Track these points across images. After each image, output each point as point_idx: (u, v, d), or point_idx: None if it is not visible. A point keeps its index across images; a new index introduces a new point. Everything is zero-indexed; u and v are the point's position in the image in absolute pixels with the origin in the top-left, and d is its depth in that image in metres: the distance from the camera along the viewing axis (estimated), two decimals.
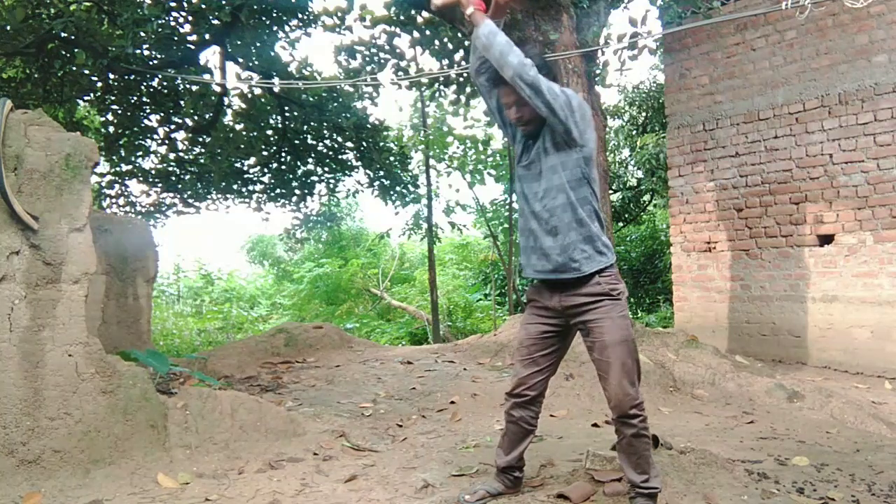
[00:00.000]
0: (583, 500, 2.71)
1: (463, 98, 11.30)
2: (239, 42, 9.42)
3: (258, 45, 9.61)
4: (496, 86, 2.66)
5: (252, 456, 3.32)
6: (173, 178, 10.82)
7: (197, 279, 18.87)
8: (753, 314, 7.28)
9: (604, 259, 2.59)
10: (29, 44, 7.59)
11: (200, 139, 10.58)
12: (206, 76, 9.54)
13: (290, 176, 11.34)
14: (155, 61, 8.98)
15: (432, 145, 12.60)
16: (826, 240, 6.77)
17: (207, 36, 9.10)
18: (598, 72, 8.09)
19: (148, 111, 10.07)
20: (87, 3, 8.54)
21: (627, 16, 23.55)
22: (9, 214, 2.94)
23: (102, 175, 10.61)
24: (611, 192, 11.11)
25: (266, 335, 6.48)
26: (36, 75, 8.52)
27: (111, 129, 10.08)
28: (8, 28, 7.53)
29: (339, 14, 10.09)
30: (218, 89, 9.98)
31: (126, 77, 8.96)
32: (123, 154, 10.33)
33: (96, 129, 10.30)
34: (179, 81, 9.52)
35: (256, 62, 9.79)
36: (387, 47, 10.20)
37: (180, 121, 10.44)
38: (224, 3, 8.28)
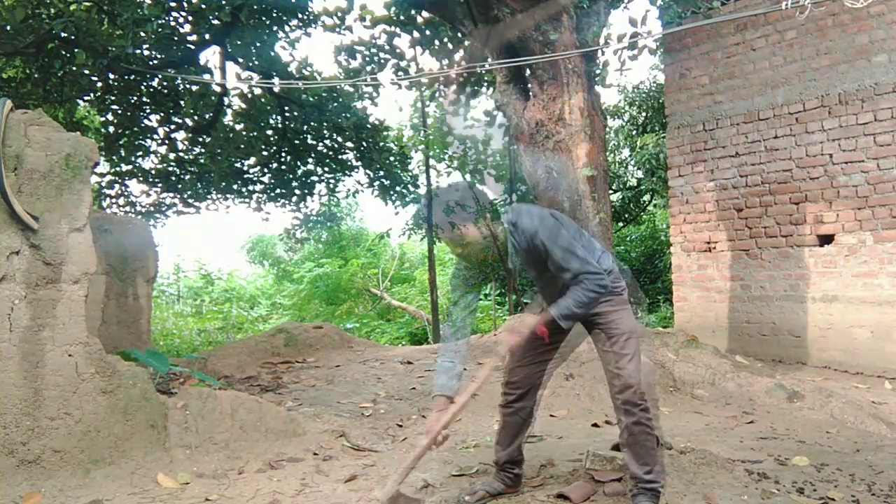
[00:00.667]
0: (583, 500, 2.71)
1: (463, 98, 11.31)
2: (239, 42, 9.42)
3: (258, 45, 9.61)
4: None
5: (252, 456, 3.32)
6: (173, 178, 10.82)
7: (197, 279, 18.85)
8: (753, 314, 7.28)
9: (603, 266, 2.66)
10: (29, 44, 7.59)
11: (200, 139, 10.58)
12: (206, 76, 9.54)
13: (290, 176, 11.34)
14: (155, 61, 8.97)
15: (432, 145, 12.60)
16: (826, 240, 6.77)
17: (207, 36, 9.10)
18: (598, 72, 8.09)
19: (148, 111, 10.07)
20: (87, 3, 8.53)
21: (627, 16, 23.56)
22: (9, 214, 2.94)
23: (102, 175, 10.61)
24: (611, 192, 11.10)
25: (266, 335, 6.48)
26: (36, 75, 8.52)
27: (111, 129, 10.07)
28: (8, 28, 7.53)
29: (339, 14, 10.09)
30: (218, 89, 9.98)
31: (126, 77, 8.95)
32: (123, 154, 10.33)
33: (96, 129, 10.29)
34: (179, 81, 9.52)
35: (256, 62, 9.78)
36: (387, 47, 10.20)
37: (180, 121, 10.43)
38: (224, 3, 8.28)
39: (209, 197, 11.32)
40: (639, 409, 2.56)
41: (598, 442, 3.49)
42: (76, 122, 9.63)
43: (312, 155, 11.41)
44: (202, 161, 10.72)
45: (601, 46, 7.60)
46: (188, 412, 3.34)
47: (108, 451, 3.08)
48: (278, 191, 11.52)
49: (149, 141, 10.54)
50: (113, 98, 9.61)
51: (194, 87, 9.67)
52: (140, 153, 10.50)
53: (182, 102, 10.00)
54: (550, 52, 6.49)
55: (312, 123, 10.76)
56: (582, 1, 6.78)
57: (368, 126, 10.90)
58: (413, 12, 9.61)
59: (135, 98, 9.75)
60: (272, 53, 9.84)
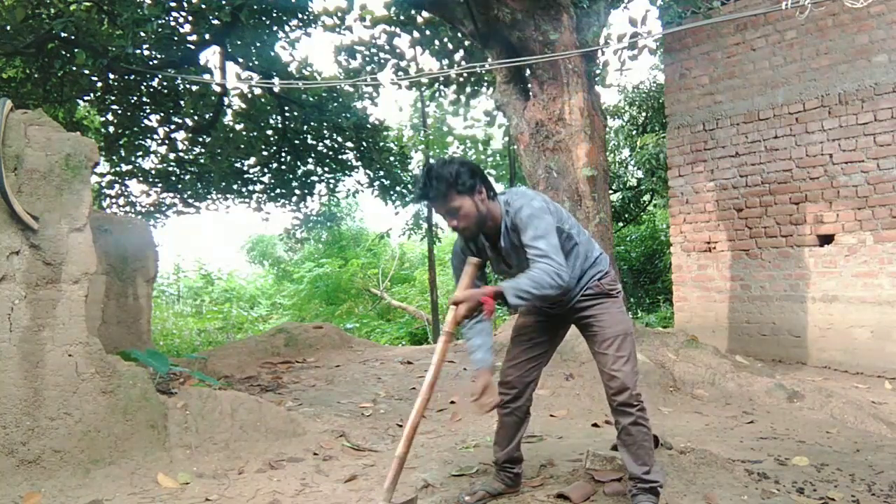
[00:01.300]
0: (583, 500, 2.71)
1: (463, 98, 11.32)
2: (239, 42, 9.42)
3: (258, 45, 9.61)
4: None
5: (252, 456, 3.32)
6: (173, 178, 10.82)
7: (197, 279, 18.86)
8: (753, 314, 7.28)
9: (599, 269, 2.66)
10: (29, 44, 7.59)
11: (200, 139, 10.58)
12: (206, 76, 9.54)
13: (290, 176, 11.34)
14: (155, 61, 8.97)
15: (432, 145, 12.61)
16: (826, 240, 6.77)
17: (207, 36, 9.10)
18: (598, 72, 8.09)
19: (148, 111, 10.07)
20: (87, 3, 8.54)
21: (627, 16, 23.59)
22: (9, 214, 2.94)
23: (102, 175, 10.61)
24: (611, 192, 11.10)
25: (266, 335, 6.49)
26: (36, 75, 8.52)
27: (111, 129, 10.07)
28: (8, 28, 7.53)
29: (339, 14, 10.09)
30: (218, 89, 9.98)
31: (126, 77, 8.95)
32: (123, 154, 10.33)
33: (96, 129, 10.29)
34: (179, 81, 9.52)
35: (256, 62, 9.79)
36: (387, 47, 10.20)
37: (180, 121, 10.43)
38: (224, 3, 8.28)
39: (209, 197, 11.32)
40: (636, 410, 2.56)
41: (598, 442, 3.49)
42: (76, 122, 9.63)
43: (312, 155, 11.41)
44: (202, 161, 10.72)
45: (601, 46, 7.60)
46: (188, 412, 3.34)
47: (108, 451, 3.08)
48: (278, 191, 11.52)
49: (149, 141, 10.54)
50: (113, 98, 9.61)
51: (194, 87, 9.68)
52: (140, 153, 10.50)
53: (182, 102, 10.00)
54: (550, 52, 6.49)
55: (312, 123, 10.76)
56: (582, 1, 6.78)
57: (368, 126, 10.90)
58: (413, 12, 9.61)
59: (135, 98, 9.75)
60: (272, 53, 9.84)
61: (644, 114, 13.70)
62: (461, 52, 10.06)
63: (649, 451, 2.60)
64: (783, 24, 6.96)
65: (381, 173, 11.64)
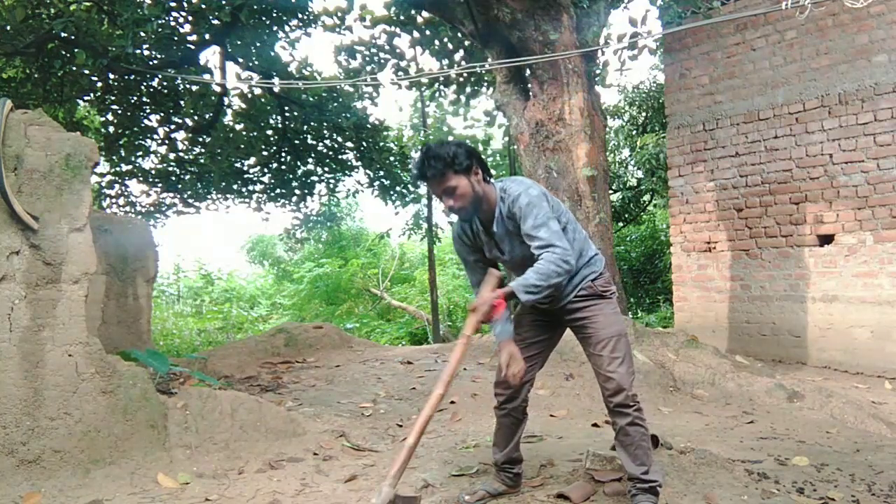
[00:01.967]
0: (583, 500, 2.71)
1: (463, 98, 11.32)
2: (239, 42, 9.43)
3: (258, 45, 9.62)
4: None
5: (252, 456, 3.32)
6: (173, 178, 10.82)
7: (197, 279, 18.86)
8: (753, 314, 7.28)
9: (593, 270, 2.67)
10: (29, 44, 7.59)
11: (200, 139, 10.58)
12: (206, 76, 9.55)
13: (290, 176, 11.35)
14: (155, 61, 8.98)
15: None
16: (826, 240, 6.77)
17: (207, 36, 9.11)
18: (598, 72, 8.09)
19: (148, 111, 10.07)
20: (87, 3, 8.54)
21: (627, 16, 23.59)
22: (9, 214, 2.94)
23: (102, 175, 10.61)
24: (611, 192, 11.11)
25: (266, 335, 6.48)
26: (36, 75, 8.52)
27: (111, 129, 10.08)
28: (8, 28, 7.53)
29: (339, 14, 10.10)
30: (218, 89, 9.99)
31: (126, 77, 8.96)
32: (123, 154, 10.33)
33: (96, 129, 10.30)
34: (179, 81, 9.52)
35: (256, 62, 9.79)
36: (387, 47, 10.21)
37: (180, 121, 10.44)
38: (224, 3, 8.28)
39: (209, 197, 11.33)
40: (632, 410, 2.57)
41: (598, 442, 3.49)
42: (76, 122, 9.63)
43: (312, 155, 11.42)
44: (202, 161, 10.72)
45: (601, 46, 7.61)
46: (188, 412, 3.34)
47: (108, 451, 3.08)
48: (278, 191, 11.53)
49: (149, 141, 10.55)
50: (113, 98, 9.62)
51: (194, 87, 9.68)
52: (140, 153, 10.51)
53: (182, 102, 10.00)
54: (550, 52, 6.49)
55: (312, 123, 10.77)
56: (582, 1, 6.78)
57: (368, 126, 10.90)
58: (413, 12, 9.62)
59: (135, 98, 9.76)
60: (272, 53, 9.84)
61: (644, 114, 13.71)
62: (461, 52, 10.07)
63: (647, 450, 2.60)
64: (783, 24, 6.96)
65: (381, 173, 11.64)
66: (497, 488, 2.82)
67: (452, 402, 4.58)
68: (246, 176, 11.28)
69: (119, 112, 9.86)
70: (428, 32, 9.93)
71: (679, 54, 7.94)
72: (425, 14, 9.49)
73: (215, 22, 8.80)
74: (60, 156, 3.10)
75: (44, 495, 2.80)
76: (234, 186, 11.17)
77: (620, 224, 14.32)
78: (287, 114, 10.61)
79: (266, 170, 11.26)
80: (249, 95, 10.53)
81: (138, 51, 8.21)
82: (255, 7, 8.93)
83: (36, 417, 2.96)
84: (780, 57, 7.05)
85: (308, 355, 6.04)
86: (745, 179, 7.34)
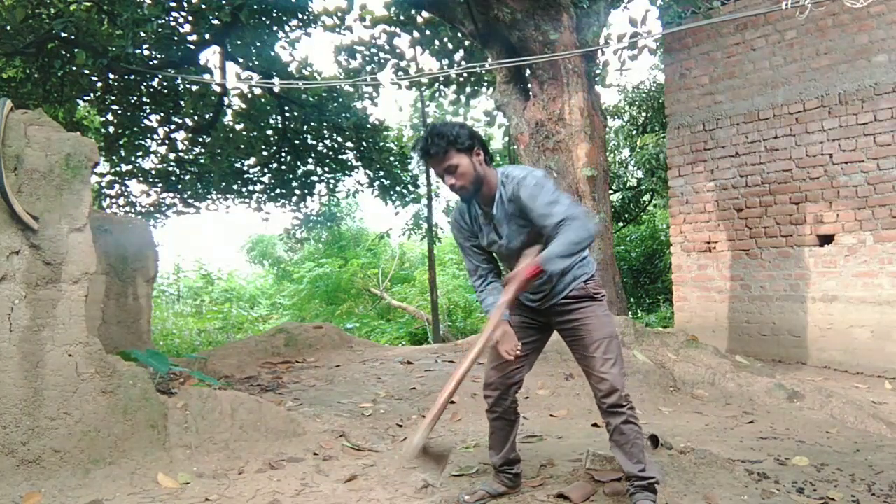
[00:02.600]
0: (583, 500, 2.71)
1: (463, 98, 11.32)
2: (239, 42, 9.43)
3: (258, 45, 9.62)
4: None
5: (252, 456, 3.32)
6: (173, 178, 10.82)
7: (197, 279, 18.86)
8: (753, 314, 7.28)
9: (586, 272, 2.68)
10: (29, 44, 7.59)
11: (200, 139, 10.59)
12: (206, 76, 9.55)
13: (290, 176, 11.35)
14: (155, 61, 8.98)
15: None
16: (826, 240, 6.77)
17: (207, 36, 9.11)
18: (598, 72, 8.10)
19: (148, 111, 10.07)
20: (87, 3, 8.54)
21: (627, 16, 23.59)
22: (9, 214, 2.94)
23: (102, 175, 10.61)
24: (611, 192, 11.11)
25: (266, 335, 6.48)
26: (36, 75, 8.52)
27: (111, 129, 10.08)
28: (8, 28, 7.53)
29: (339, 14, 10.10)
30: (218, 89, 9.99)
31: (126, 77, 8.96)
32: (123, 154, 10.33)
33: (96, 129, 10.30)
34: (179, 81, 9.52)
35: (256, 62, 9.79)
36: (387, 47, 10.21)
37: (180, 121, 10.44)
38: (224, 3, 8.28)
39: (209, 197, 11.33)
40: (626, 409, 2.57)
41: (598, 442, 3.48)
42: (76, 122, 9.64)
43: (312, 155, 11.42)
44: (202, 161, 10.72)
45: (601, 46, 7.61)
46: (188, 412, 3.34)
47: (108, 451, 3.08)
48: (278, 191, 11.53)
49: (149, 141, 10.55)
50: (113, 98, 9.62)
51: (194, 87, 9.68)
52: (140, 153, 10.51)
53: (182, 102, 10.01)
54: (550, 52, 6.49)
55: (312, 123, 10.77)
56: (582, 1, 6.78)
57: (368, 126, 10.91)
58: (413, 12, 9.62)
59: (135, 98, 9.76)
60: (272, 53, 9.85)
61: (644, 114, 13.71)
62: (461, 52, 10.07)
63: (642, 448, 2.61)
64: (783, 24, 6.96)
65: (381, 173, 11.65)
66: (497, 489, 2.82)
67: (452, 402, 4.58)
68: (246, 176, 11.28)
69: (119, 112, 9.86)
70: (428, 32, 9.94)
71: (679, 54, 7.94)
72: (425, 14, 9.49)
73: (215, 22, 8.80)
74: (60, 156, 3.10)
75: (44, 495, 2.80)
76: (234, 186, 11.17)
77: (620, 224, 14.33)
78: (287, 114, 10.61)
79: (266, 170, 11.26)
80: (249, 95, 10.54)
81: (138, 51, 8.21)
82: (255, 7, 8.93)
83: (36, 417, 2.96)
84: (780, 57, 7.05)
85: (308, 355, 6.04)
86: (745, 179, 7.34)
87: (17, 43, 7.54)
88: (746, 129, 7.30)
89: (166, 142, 10.67)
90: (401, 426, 4.09)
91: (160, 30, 7.67)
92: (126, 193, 10.94)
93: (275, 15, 9.50)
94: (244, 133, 10.76)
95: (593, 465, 2.94)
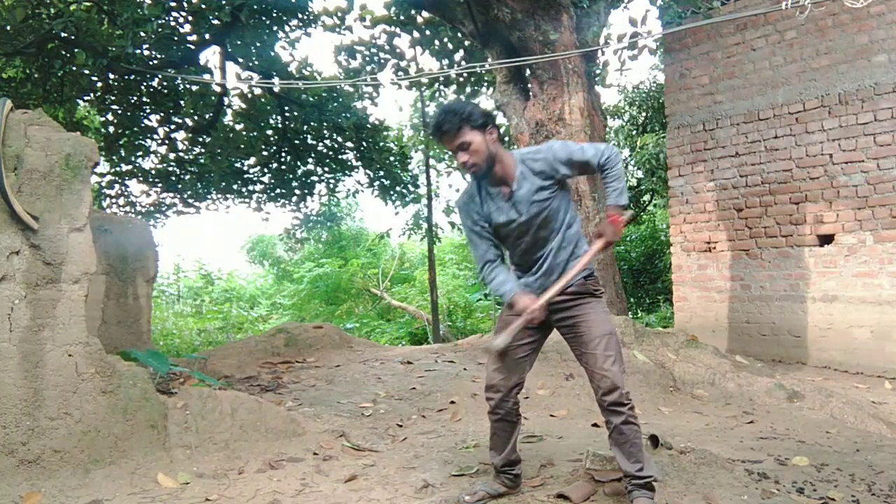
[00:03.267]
0: (583, 500, 2.71)
1: (463, 98, 11.31)
2: (239, 42, 9.43)
3: (258, 45, 9.62)
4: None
5: (252, 456, 3.32)
6: (173, 178, 10.82)
7: (197, 279, 18.87)
8: (753, 314, 7.28)
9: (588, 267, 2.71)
10: (29, 44, 7.58)
11: (200, 139, 10.58)
12: (206, 76, 9.55)
13: (290, 176, 11.35)
14: (155, 61, 8.98)
15: (432, 145, 12.61)
16: (826, 240, 6.77)
17: (207, 36, 9.11)
18: (598, 72, 8.09)
19: (148, 111, 10.07)
20: (87, 3, 8.54)
21: (627, 16, 23.59)
22: (9, 214, 2.94)
23: (102, 175, 10.61)
24: None
25: (266, 335, 6.48)
26: (36, 75, 8.52)
27: (111, 129, 10.08)
28: (8, 28, 7.53)
29: (339, 14, 10.10)
30: (218, 89, 9.99)
31: (126, 77, 8.95)
32: (123, 154, 10.33)
33: (96, 129, 10.30)
34: (179, 81, 9.52)
35: (256, 62, 9.79)
36: (387, 47, 10.21)
37: (180, 121, 10.44)
38: (224, 3, 8.28)
39: (209, 197, 11.32)
40: (626, 409, 2.57)
41: (598, 442, 3.48)
42: (76, 122, 9.63)
43: (312, 155, 11.42)
44: (202, 161, 10.72)
45: (601, 46, 7.61)
46: (188, 412, 3.34)
47: (108, 451, 3.08)
48: (278, 191, 11.52)
49: (149, 141, 10.55)
50: (113, 98, 9.61)
51: (194, 87, 9.68)
52: (140, 153, 10.51)
53: (182, 102, 10.00)
54: (550, 52, 6.49)
55: (312, 123, 10.77)
56: (582, 1, 6.78)
57: (368, 126, 10.90)
58: (413, 12, 9.62)
59: (135, 98, 9.75)
60: (272, 53, 9.84)
61: (644, 114, 13.71)
62: (461, 52, 10.07)
63: (641, 447, 2.62)
64: (783, 24, 6.96)
65: (381, 173, 11.64)
66: (497, 489, 2.82)
67: (452, 402, 4.58)
68: (246, 176, 11.28)
69: (119, 112, 9.85)
70: (428, 32, 9.94)
71: (679, 54, 7.94)
72: (425, 14, 9.49)
73: (215, 22, 8.80)
74: (60, 156, 3.10)
75: (44, 495, 2.80)
76: (234, 186, 11.16)
77: None
78: (287, 114, 10.61)
79: (266, 170, 11.26)
80: (249, 95, 10.53)
81: (138, 51, 8.21)
82: (255, 7, 8.93)
83: (36, 417, 2.96)
84: (780, 57, 7.05)
85: (308, 355, 6.04)
86: (745, 179, 7.34)
87: (17, 43, 7.54)
88: (746, 129, 7.30)
89: (166, 142, 10.66)
90: (401, 426, 4.09)
91: (160, 30, 7.67)
92: (126, 193, 10.94)
93: (275, 15, 9.50)
94: (244, 133, 10.76)
95: (593, 465, 2.94)
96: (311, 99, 10.36)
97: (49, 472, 2.93)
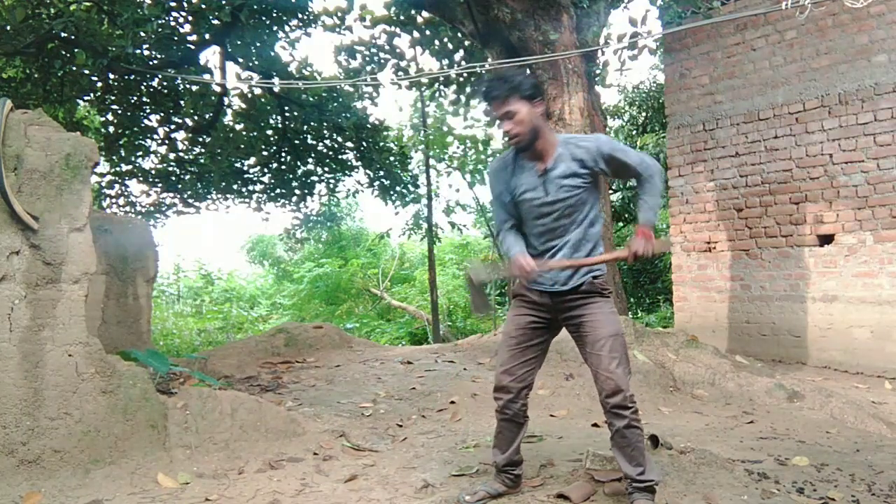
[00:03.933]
0: (583, 500, 2.71)
1: (463, 98, 11.31)
2: (239, 42, 9.42)
3: (258, 45, 9.61)
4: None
5: (252, 456, 3.32)
6: (173, 178, 10.82)
7: (197, 279, 18.87)
8: (753, 314, 7.28)
9: (599, 267, 2.70)
10: (29, 44, 7.58)
11: (200, 139, 10.58)
12: (206, 76, 9.54)
13: (290, 176, 11.35)
14: (155, 61, 8.97)
15: (432, 145, 12.61)
16: (826, 240, 6.77)
17: (207, 36, 9.10)
18: (598, 72, 8.09)
19: (148, 111, 10.07)
20: (87, 3, 8.54)
21: (627, 16, 23.59)
22: (9, 214, 2.94)
23: (102, 175, 10.61)
24: (611, 192, 11.11)
25: (266, 335, 6.48)
26: (36, 75, 8.52)
27: (111, 129, 10.08)
28: (8, 28, 7.53)
29: (339, 14, 10.10)
30: (218, 89, 9.99)
31: (126, 77, 8.95)
32: (123, 154, 10.33)
33: (96, 129, 10.30)
34: (179, 81, 9.52)
35: (256, 62, 9.79)
36: (387, 47, 10.21)
37: (180, 121, 10.44)
38: (224, 3, 8.28)
39: (209, 197, 11.32)
40: (629, 413, 2.55)
41: (598, 442, 3.48)
42: (76, 122, 9.63)
43: (312, 155, 11.41)
44: (202, 161, 10.72)
45: (601, 46, 7.61)
46: (188, 412, 3.34)
47: (108, 451, 3.08)
48: (278, 191, 11.52)
49: (149, 141, 10.55)
50: (113, 98, 9.61)
51: (194, 87, 9.68)
52: (140, 153, 10.51)
53: (182, 102, 10.00)
54: (550, 52, 6.49)
55: (312, 123, 10.76)
56: (582, 1, 6.78)
57: (368, 126, 10.90)
58: (413, 12, 9.62)
59: (135, 98, 9.75)
60: (272, 53, 9.84)
61: (644, 114, 13.71)
62: (461, 52, 10.07)
63: (643, 451, 2.60)
64: (783, 24, 6.96)
65: (381, 173, 11.64)
66: (497, 489, 2.82)
67: (452, 402, 4.58)
68: (246, 176, 11.28)
69: (119, 112, 9.85)
70: (428, 32, 9.93)
71: (679, 54, 7.94)
72: (425, 14, 9.49)
73: (215, 22, 8.80)
74: (60, 156, 3.10)
75: (44, 495, 2.80)
76: (234, 186, 11.16)
77: (620, 224, 14.32)
78: (287, 114, 10.60)
79: (266, 170, 11.26)
80: (249, 95, 10.53)
81: (138, 51, 8.21)
82: (255, 7, 8.93)
83: (36, 417, 2.96)
84: (780, 57, 7.05)
85: (308, 355, 6.04)
86: (745, 179, 7.34)
87: (17, 43, 7.54)
88: (746, 129, 7.30)
89: (166, 142, 10.66)
90: (401, 426, 4.09)
91: (160, 30, 7.66)
92: (126, 193, 10.94)
93: (275, 15, 9.50)
94: (244, 133, 10.76)
95: (593, 465, 2.94)
96: (311, 99, 10.36)
97: (49, 472, 2.93)
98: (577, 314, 2.65)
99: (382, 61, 10.26)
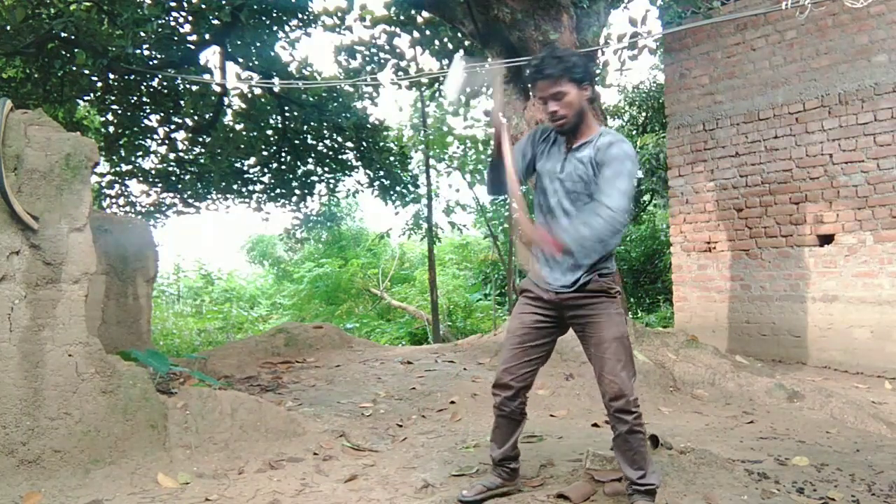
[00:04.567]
0: (583, 500, 2.71)
1: (463, 98, 11.31)
2: (239, 42, 9.42)
3: (258, 45, 9.61)
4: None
5: (252, 456, 3.32)
6: (173, 178, 10.81)
7: (197, 279, 18.87)
8: (753, 314, 7.28)
9: (607, 266, 2.67)
10: (29, 44, 7.58)
11: (200, 139, 10.58)
12: (206, 76, 9.54)
13: (290, 176, 11.34)
14: (155, 61, 8.97)
15: (432, 145, 12.61)
16: (826, 240, 6.77)
17: (207, 36, 9.10)
18: (598, 72, 8.09)
19: (148, 111, 10.07)
20: (87, 3, 8.53)
21: (627, 16, 23.58)
22: (9, 214, 2.94)
23: (102, 175, 10.61)
24: None
25: (266, 335, 6.48)
26: (36, 75, 8.51)
27: (111, 129, 10.08)
28: (8, 28, 7.53)
29: (339, 14, 10.09)
30: (218, 89, 9.98)
31: (126, 77, 8.95)
32: (123, 154, 10.33)
33: (96, 129, 10.30)
34: (179, 81, 9.52)
35: (256, 62, 9.78)
36: (387, 47, 10.20)
37: (180, 121, 10.43)
38: (224, 3, 8.28)
39: (209, 197, 11.32)
40: (632, 418, 2.54)
41: (598, 442, 3.48)
42: (76, 122, 9.63)
43: (312, 155, 11.41)
44: (202, 161, 10.72)
45: (601, 46, 7.61)
46: (188, 412, 3.34)
47: (108, 451, 3.08)
48: (278, 191, 11.52)
49: (149, 141, 10.54)
50: (113, 98, 9.61)
51: (194, 87, 9.67)
52: (140, 153, 10.50)
53: (182, 102, 10.00)
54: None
55: (312, 123, 10.76)
56: (582, 1, 6.78)
57: (368, 126, 10.90)
58: (413, 12, 9.61)
59: (135, 98, 9.75)
60: (272, 53, 9.83)
61: (644, 114, 13.71)
62: (461, 53, 10.06)
63: (645, 455, 2.59)
64: (783, 24, 6.97)
65: (381, 173, 11.63)
66: (494, 482, 2.81)
67: (452, 402, 4.58)
68: (246, 176, 11.27)
69: (119, 112, 9.85)
70: (428, 32, 9.93)
71: (679, 54, 7.94)
72: (425, 14, 9.48)
73: (215, 22, 8.79)
74: (60, 156, 3.10)
75: (44, 495, 2.80)
76: (234, 186, 11.15)
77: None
78: (287, 114, 10.60)
79: (266, 170, 11.26)
80: (249, 95, 10.53)
81: (138, 51, 8.20)
82: (255, 7, 8.93)
83: (36, 417, 2.96)
84: (780, 57, 7.05)
85: (308, 355, 6.04)
86: (745, 179, 7.34)
87: (17, 43, 7.53)
88: (746, 129, 7.30)
89: (166, 142, 10.66)
90: (401, 426, 4.09)
91: (160, 30, 7.66)
92: (126, 193, 10.93)
93: (275, 15, 9.49)
94: (244, 133, 10.75)
95: (593, 465, 2.93)
96: (311, 99, 10.35)
97: (49, 472, 2.93)
98: (582, 314, 2.62)
99: (382, 61, 10.25)
